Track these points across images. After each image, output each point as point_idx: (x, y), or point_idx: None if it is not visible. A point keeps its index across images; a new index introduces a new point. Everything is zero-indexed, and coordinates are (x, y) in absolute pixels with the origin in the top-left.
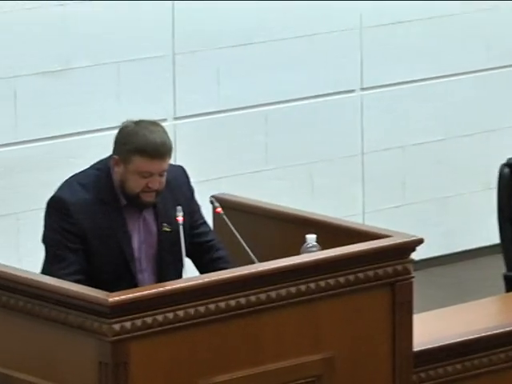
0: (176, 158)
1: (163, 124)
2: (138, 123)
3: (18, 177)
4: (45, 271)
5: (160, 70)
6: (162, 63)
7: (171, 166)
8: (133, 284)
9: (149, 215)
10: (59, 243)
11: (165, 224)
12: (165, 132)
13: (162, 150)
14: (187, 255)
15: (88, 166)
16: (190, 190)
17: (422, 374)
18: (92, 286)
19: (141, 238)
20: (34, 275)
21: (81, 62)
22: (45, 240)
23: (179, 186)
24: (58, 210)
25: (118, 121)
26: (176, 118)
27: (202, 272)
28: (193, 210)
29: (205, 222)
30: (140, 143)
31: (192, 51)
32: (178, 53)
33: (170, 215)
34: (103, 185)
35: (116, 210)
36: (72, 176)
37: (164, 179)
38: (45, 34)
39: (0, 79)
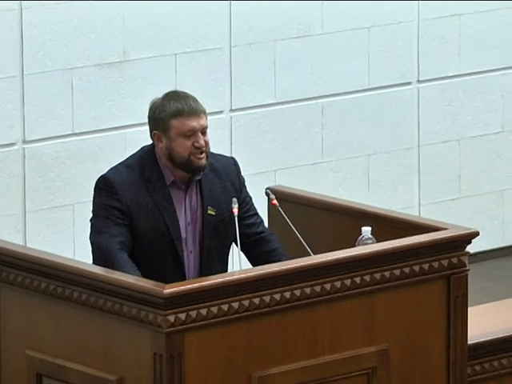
0: (232, 150)
1: (220, 116)
2: (165, 95)
3: (75, 168)
4: (93, 247)
5: (217, 62)
6: (219, 55)
7: (223, 156)
8: (179, 265)
9: (194, 196)
10: (104, 219)
11: (209, 207)
12: (193, 96)
13: (195, 107)
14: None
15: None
16: (240, 180)
17: (477, 367)
18: (138, 267)
19: (187, 219)
20: (89, 266)
21: (138, 54)
22: (91, 219)
23: (228, 174)
24: (103, 189)
25: None
26: (232, 110)
27: (254, 265)
28: (243, 200)
29: (255, 214)
30: (173, 107)
31: (249, 43)
32: (235, 45)
33: (215, 199)
34: (148, 164)
35: (161, 188)
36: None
37: (208, 138)
38: (103, 26)
39: (57, 71)
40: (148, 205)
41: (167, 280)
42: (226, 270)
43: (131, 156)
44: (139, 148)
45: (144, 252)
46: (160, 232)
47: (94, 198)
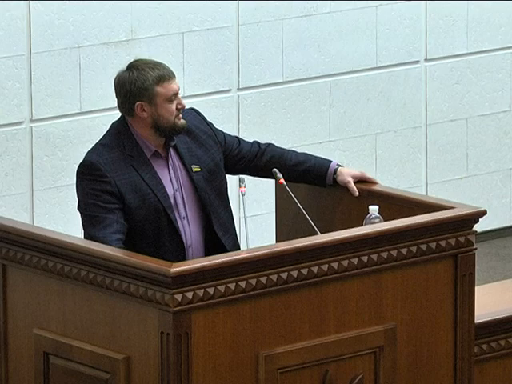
0: (239, 129)
1: (227, 95)
2: (132, 65)
3: (82, 147)
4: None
5: (224, 41)
6: (227, 34)
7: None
8: (175, 233)
9: (175, 162)
10: (95, 206)
11: (193, 165)
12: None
13: (170, 69)
14: (244, 174)
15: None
16: (210, 126)
17: (484, 346)
18: (134, 244)
19: (174, 186)
20: (96, 245)
21: (145, 33)
22: (80, 207)
23: (196, 126)
24: (89, 174)
25: (183, 91)
26: (240, 89)
27: (263, 176)
28: (221, 140)
29: (239, 141)
30: (153, 74)
31: (256, 22)
32: (243, 24)
33: (194, 155)
34: (125, 140)
35: (144, 162)
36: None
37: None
38: (110, 4)
39: (64, 49)
40: (135, 181)
41: (166, 251)
42: (231, 214)
43: (105, 135)
44: (109, 126)
45: (139, 228)
46: (151, 205)
47: (77, 184)
